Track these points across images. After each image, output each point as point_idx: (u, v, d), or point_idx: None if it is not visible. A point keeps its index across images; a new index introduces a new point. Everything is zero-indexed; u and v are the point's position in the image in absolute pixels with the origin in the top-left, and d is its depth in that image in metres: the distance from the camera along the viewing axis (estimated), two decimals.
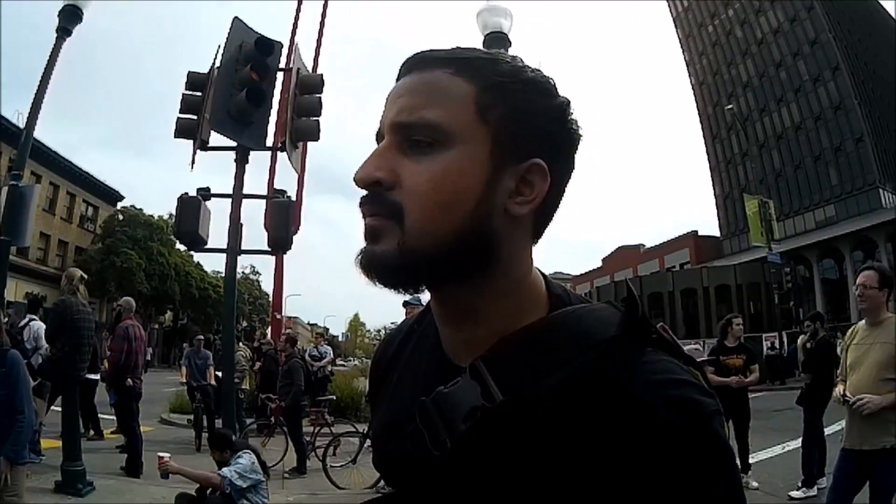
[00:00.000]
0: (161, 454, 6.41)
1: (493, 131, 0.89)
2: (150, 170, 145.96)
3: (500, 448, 0.85)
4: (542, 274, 0.99)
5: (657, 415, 0.78)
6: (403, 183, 0.88)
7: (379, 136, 0.93)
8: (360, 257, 0.90)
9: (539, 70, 0.94)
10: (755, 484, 8.35)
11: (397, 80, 0.95)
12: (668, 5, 77.50)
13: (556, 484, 0.81)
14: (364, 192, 0.91)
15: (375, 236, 0.89)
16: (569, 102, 0.94)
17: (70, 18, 9.53)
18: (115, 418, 10.98)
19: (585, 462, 0.80)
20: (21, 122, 21.02)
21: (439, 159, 0.87)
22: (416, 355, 1.08)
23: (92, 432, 11.75)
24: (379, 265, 0.88)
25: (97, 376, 11.20)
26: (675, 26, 76.69)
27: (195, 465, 6.98)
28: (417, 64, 0.94)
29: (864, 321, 5.03)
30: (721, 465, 0.80)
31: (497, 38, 8.86)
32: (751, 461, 8.71)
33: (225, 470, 6.04)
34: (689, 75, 74.70)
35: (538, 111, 0.91)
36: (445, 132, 0.88)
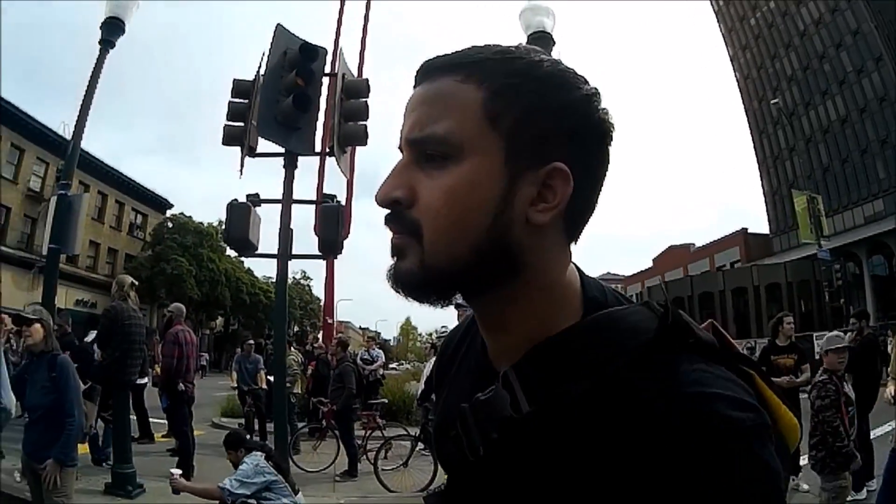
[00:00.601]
0: (172, 470, 6.48)
1: (506, 138, 0.86)
2: (200, 177, 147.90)
3: (525, 458, 0.86)
4: (580, 273, 0.97)
5: (676, 433, 0.75)
6: (420, 200, 0.88)
7: (401, 151, 0.93)
8: (388, 273, 0.91)
9: (558, 62, 0.92)
10: (805, 486, 8.20)
11: (413, 89, 0.94)
12: (710, 1, 76.74)
13: (575, 496, 0.81)
14: (386, 211, 0.91)
15: (400, 253, 0.90)
16: (595, 93, 0.91)
17: (112, 31, 9.68)
18: (166, 422, 11.14)
19: (604, 478, 0.78)
20: (67, 134, 21.42)
21: (451, 174, 0.86)
22: (467, 357, 1.10)
23: (139, 435, 11.91)
24: (405, 282, 0.89)
25: (146, 381, 11.35)
26: (718, 20, 75.86)
27: None
28: (426, 73, 0.93)
29: None
30: (752, 493, 0.74)
31: (541, 38, 8.84)
32: (801, 463, 8.59)
33: (225, 481, 5.87)
34: (734, 70, 73.83)
35: (557, 108, 0.87)
36: (455, 145, 0.86)
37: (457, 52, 0.92)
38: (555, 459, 0.83)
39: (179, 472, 6.55)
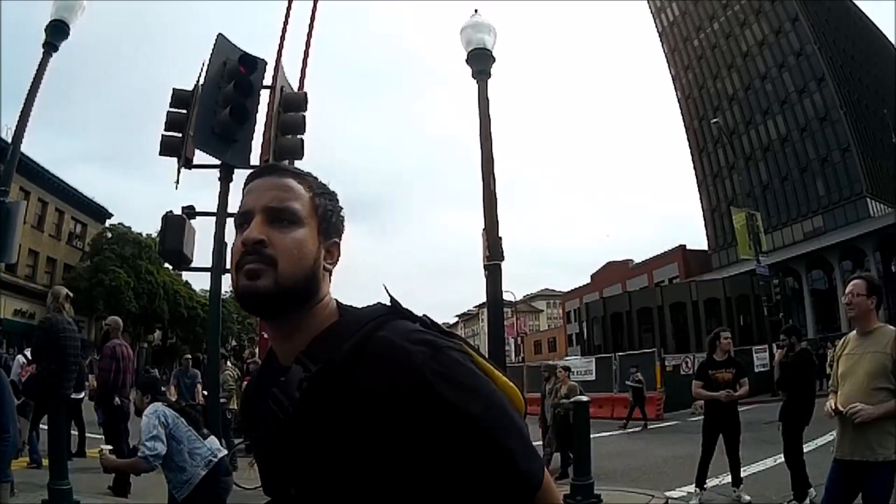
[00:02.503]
0: (103, 447, 6.17)
1: (319, 220, 1.44)
2: (140, 187, 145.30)
3: (321, 402, 1.26)
4: (337, 300, 1.47)
5: (406, 349, 1.23)
6: (276, 244, 1.34)
7: (242, 216, 1.40)
8: (241, 290, 1.34)
9: (328, 186, 1.51)
10: (747, 497, 8.32)
11: (253, 178, 1.47)
12: (654, 20, 77.95)
13: (358, 416, 1.22)
14: (244, 250, 1.34)
15: (256, 276, 1.32)
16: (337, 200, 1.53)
17: (57, 34, 9.46)
18: (103, 437, 10.91)
19: (371, 396, 1.22)
20: (8, 137, 20.93)
21: (298, 233, 1.38)
22: (267, 379, 1.43)
23: (76, 450, 11.65)
24: (260, 296, 1.32)
25: (82, 395, 11.11)
26: (661, 41, 77.16)
27: None
28: (275, 171, 1.48)
29: (854, 331, 5.00)
30: (459, 376, 1.24)
31: (481, 55, 8.85)
32: (742, 474, 8.68)
33: (141, 448, 5.40)
34: (675, 89, 75.09)
35: (334, 209, 1.49)
36: (300, 216, 1.40)
37: (289, 167, 1.54)
38: (337, 394, 1.25)
39: (110, 447, 6.25)
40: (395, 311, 1.38)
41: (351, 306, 1.45)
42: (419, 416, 1.20)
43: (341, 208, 1.52)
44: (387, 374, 1.21)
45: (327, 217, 1.45)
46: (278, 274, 1.32)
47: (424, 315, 1.41)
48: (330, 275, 1.46)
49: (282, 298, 1.33)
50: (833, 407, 4.82)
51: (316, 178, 1.51)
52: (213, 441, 5.88)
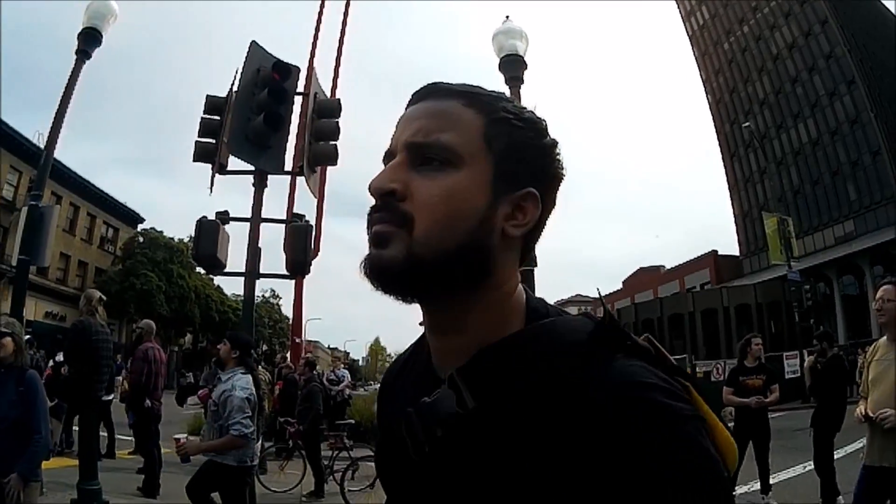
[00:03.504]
0: (177, 436, 6.26)
1: (496, 159, 0.98)
2: (172, 192, 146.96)
3: (471, 451, 0.91)
4: (525, 290, 1.05)
5: (608, 416, 0.81)
6: (415, 196, 0.95)
7: (388, 157, 1.02)
8: (364, 262, 0.97)
9: (534, 112, 1.05)
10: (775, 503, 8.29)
11: (408, 106, 1.06)
12: (685, 24, 77.49)
13: (521, 485, 0.85)
14: (374, 203, 0.99)
15: (384, 242, 0.95)
16: (557, 143, 1.05)
17: (89, 41, 9.56)
18: (132, 439, 11.02)
19: (546, 469, 0.83)
20: (41, 143, 21.18)
21: (450, 178, 0.96)
22: (411, 372, 1.15)
23: (105, 451, 11.77)
24: (384, 269, 0.95)
25: (111, 397, 11.20)
26: (692, 45, 76.63)
27: None
28: (432, 92, 1.04)
29: (885, 337, 4.96)
30: (692, 466, 0.79)
31: (513, 61, 8.85)
32: (772, 481, 8.64)
33: (236, 426, 5.69)
34: (706, 93, 74.53)
35: (535, 146, 1.02)
36: (457, 154, 0.96)
37: (458, 83, 1.05)
38: (499, 453, 0.88)
39: (185, 435, 6.29)
40: (609, 336, 0.92)
41: (547, 306, 1.04)
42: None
43: (549, 142, 1.03)
44: (583, 441, 0.81)
45: (513, 154, 0.99)
46: (412, 239, 0.94)
47: (647, 336, 0.97)
48: (522, 244, 1.02)
49: (416, 276, 0.94)
50: (863, 413, 4.79)
51: (500, 97, 1.04)
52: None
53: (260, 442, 6.31)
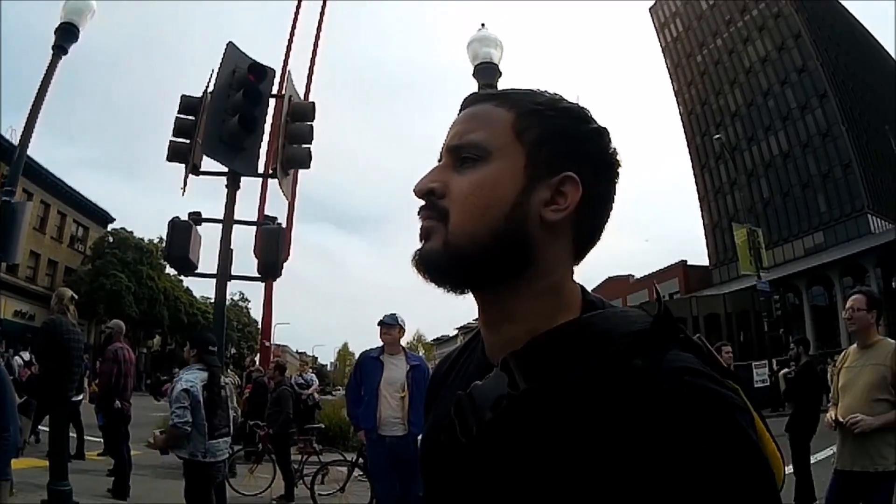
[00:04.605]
0: (156, 431, 6.49)
1: (528, 149, 1.00)
2: (142, 192, 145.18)
3: (521, 433, 0.91)
4: (582, 287, 1.07)
5: (664, 404, 0.82)
6: (451, 192, 1.01)
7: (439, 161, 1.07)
8: (414, 255, 1.03)
9: (576, 102, 1.06)
10: None
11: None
12: (658, 35, 78.08)
13: (572, 468, 0.85)
14: (421, 203, 1.04)
15: (427, 235, 1.01)
16: (605, 130, 1.05)
17: (66, 37, 9.50)
18: (102, 440, 10.91)
19: (600, 448, 0.83)
20: (15, 139, 20.99)
21: (480, 171, 1.00)
22: (463, 367, 1.17)
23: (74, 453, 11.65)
24: (427, 260, 1.01)
25: (81, 397, 11.10)
26: (664, 56, 77.25)
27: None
28: (469, 101, 1.10)
29: (855, 344, 5.05)
30: (739, 462, 0.79)
31: (487, 69, 8.90)
32: None
33: (173, 418, 5.85)
34: (678, 104, 75.12)
35: (572, 133, 1.02)
36: (485, 149, 1.00)
37: (495, 90, 1.12)
38: (550, 438, 0.88)
39: (159, 430, 6.43)
40: (664, 327, 0.94)
41: (601, 300, 1.06)
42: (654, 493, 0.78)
43: (591, 129, 1.04)
44: (631, 428, 0.82)
45: (547, 141, 1.01)
46: (448, 230, 0.99)
47: (699, 337, 0.98)
48: (572, 235, 1.03)
49: (453, 265, 0.99)
50: (833, 418, 4.87)
51: (533, 92, 1.07)
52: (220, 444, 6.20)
53: (226, 442, 6.32)
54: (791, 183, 60.88)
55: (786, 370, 9.93)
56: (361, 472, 10.14)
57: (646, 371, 0.86)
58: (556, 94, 1.07)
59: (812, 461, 8.60)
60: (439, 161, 1.07)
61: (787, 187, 61.33)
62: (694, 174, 72.66)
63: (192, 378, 6.07)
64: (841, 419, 4.78)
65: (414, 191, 1.04)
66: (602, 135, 1.04)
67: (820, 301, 51.32)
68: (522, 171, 0.99)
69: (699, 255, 71.87)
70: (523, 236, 0.98)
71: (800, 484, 8.10)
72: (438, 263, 1.00)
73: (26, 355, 13.25)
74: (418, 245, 1.03)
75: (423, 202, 1.03)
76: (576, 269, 1.06)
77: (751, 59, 65.62)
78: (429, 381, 1.33)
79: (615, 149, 1.05)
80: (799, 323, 49.65)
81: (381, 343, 7.30)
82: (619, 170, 1.06)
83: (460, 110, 1.10)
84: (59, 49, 9.49)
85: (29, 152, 9.92)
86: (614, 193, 1.06)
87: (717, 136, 53.86)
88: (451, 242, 0.98)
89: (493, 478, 0.94)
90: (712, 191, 69.63)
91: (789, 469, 9.21)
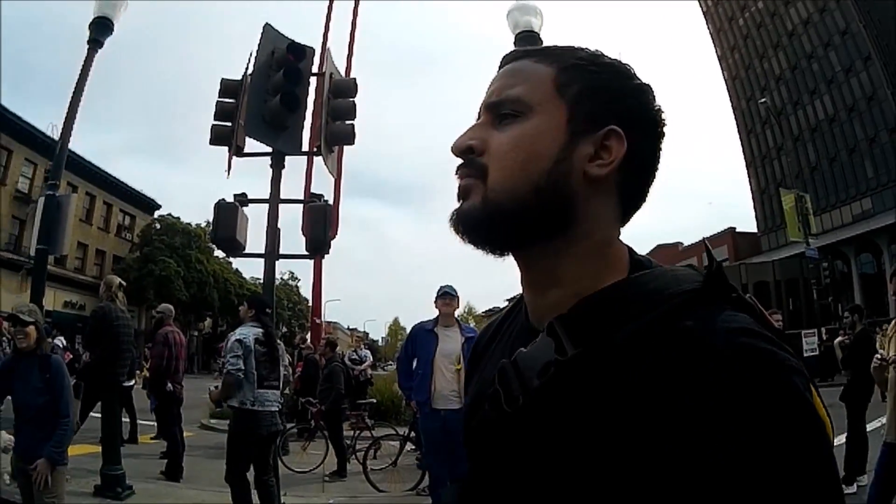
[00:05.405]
0: (211, 386, 6.91)
1: (569, 103, 0.98)
2: (187, 178, 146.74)
3: (571, 400, 0.87)
4: (629, 247, 1.03)
5: (725, 359, 0.77)
6: (490, 149, 0.98)
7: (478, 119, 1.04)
8: (452, 215, 1.00)
9: (618, 58, 1.04)
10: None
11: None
12: (699, 1, 76.90)
13: (624, 437, 0.80)
14: (459, 161, 1.01)
15: (465, 194, 0.99)
16: (648, 86, 1.03)
17: (101, 30, 9.57)
18: (155, 424, 11.09)
19: (653, 414, 0.79)
20: (55, 135, 21.30)
21: (520, 126, 0.97)
22: (508, 331, 1.15)
23: (128, 437, 11.84)
24: (465, 219, 0.98)
25: (133, 383, 11.28)
26: (706, 21, 76.02)
27: None
28: (509, 58, 1.07)
29: None
30: (796, 425, 0.74)
31: (528, 38, 8.82)
32: None
33: (226, 367, 6.40)
34: (722, 69, 73.97)
35: (615, 88, 0.99)
36: (526, 104, 0.98)
37: (537, 46, 1.10)
38: (601, 397, 0.84)
39: (215, 386, 6.75)
40: (715, 287, 0.89)
41: (650, 260, 1.02)
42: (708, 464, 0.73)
43: (635, 84, 1.01)
44: (685, 390, 0.77)
45: (589, 96, 0.98)
46: (487, 188, 0.96)
47: (750, 297, 0.92)
48: (617, 193, 0.99)
49: (493, 223, 0.96)
50: (882, 358, 4.78)
51: (574, 48, 1.04)
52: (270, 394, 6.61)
53: (275, 394, 6.72)
54: (838, 148, 59.72)
55: (841, 338, 9.79)
56: (414, 447, 10.20)
57: (698, 333, 0.81)
58: (597, 51, 1.04)
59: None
60: (478, 119, 1.04)
61: (833, 152, 60.20)
62: (740, 139, 71.64)
63: (245, 331, 6.50)
64: (888, 360, 4.69)
65: (452, 149, 1.01)
66: (646, 91, 1.02)
67: (868, 269, 50.51)
68: (564, 125, 0.97)
69: (748, 222, 71.02)
70: (566, 191, 0.95)
71: (853, 453, 7.99)
72: (478, 222, 0.97)
73: (63, 340, 13.47)
74: (456, 205, 1.00)
75: (461, 161, 1.01)
76: (625, 237, 1.03)
77: (793, 21, 64.32)
78: (472, 349, 1.30)
79: (660, 107, 1.02)
80: (848, 291, 48.96)
81: (432, 316, 7.30)
82: (664, 128, 1.03)
83: (499, 68, 1.07)
84: (95, 43, 9.56)
85: (71, 146, 10.04)
86: (660, 152, 1.03)
87: (763, 100, 53.09)
88: (491, 199, 0.95)
89: (541, 449, 0.89)
90: (759, 156, 68.60)
91: (839, 440, 9.12)
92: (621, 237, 1.03)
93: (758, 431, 0.73)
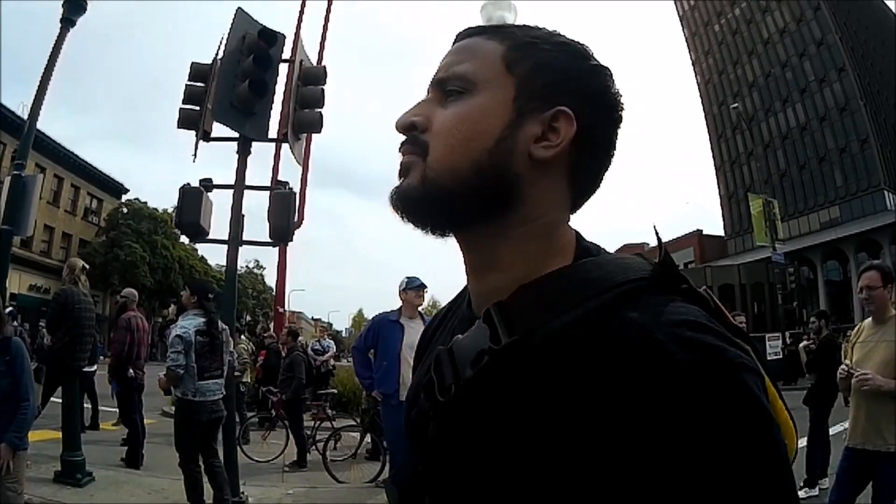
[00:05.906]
0: (160, 375, 6.87)
1: (518, 81, 0.93)
2: (154, 162, 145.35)
3: (504, 391, 0.82)
4: (577, 232, 0.99)
5: (668, 354, 0.72)
6: (433, 125, 0.94)
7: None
8: (391, 193, 0.96)
9: (575, 39, 1.00)
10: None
11: None
12: (675, 4, 77.49)
13: (558, 431, 0.76)
14: (403, 138, 0.98)
15: (405, 172, 0.95)
16: (606, 68, 0.98)
17: (74, 9, 9.42)
18: (116, 410, 10.98)
19: (586, 404, 0.74)
20: (25, 114, 21.04)
21: (464, 103, 0.93)
22: (451, 319, 1.12)
23: (89, 423, 11.72)
24: (404, 197, 0.94)
25: (94, 368, 11.18)
26: (682, 25, 76.69)
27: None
28: (459, 36, 1.03)
29: (869, 319, 4.98)
30: (741, 424, 0.69)
31: None
32: None
33: (167, 362, 6.51)
34: (695, 74, 74.69)
35: (568, 68, 0.95)
36: (472, 81, 0.94)
37: (492, 25, 1.03)
38: (532, 396, 0.80)
39: (163, 374, 6.77)
40: (662, 275, 0.86)
41: (598, 247, 0.98)
42: (651, 463, 0.69)
43: (591, 65, 0.97)
44: (622, 386, 0.73)
45: (539, 74, 0.94)
46: (426, 164, 0.93)
47: (705, 289, 0.89)
48: (563, 179, 0.95)
49: (431, 201, 0.92)
50: (847, 368, 4.82)
51: (529, 27, 1.00)
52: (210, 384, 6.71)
53: (217, 384, 6.85)
54: (808, 156, 60.56)
55: (806, 342, 9.91)
56: (371, 440, 10.19)
57: (641, 324, 0.76)
58: (554, 30, 1.00)
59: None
60: (426, 96, 1.00)
61: (803, 160, 61.02)
62: (711, 144, 72.38)
63: (186, 325, 6.59)
64: (854, 370, 4.73)
65: (395, 125, 0.98)
66: (602, 73, 0.97)
67: (834, 276, 51.31)
68: (511, 103, 0.92)
69: (715, 225, 71.77)
70: (508, 172, 0.91)
71: (816, 456, 8.08)
72: (416, 201, 0.93)
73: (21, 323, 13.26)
74: (396, 183, 0.97)
75: (405, 139, 0.97)
76: (594, 236, 1.00)
77: (769, 29, 65.06)
78: (419, 340, 1.28)
79: (618, 90, 0.97)
80: (813, 297, 49.69)
81: (396, 308, 7.27)
82: (622, 113, 0.98)
83: (452, 45, 1.03)
84: (67, 21, 9.40)
85: (41, 127, 9.91)
86: (616, 139, 0.98)
87: (735, 105, 53.61)
88: (430, 177, 0.92)
89: (473, 440, 0.86)
90: (729, 161, 69.39)
91: (802, 442, 9.22)
92: (578, 227, 0.99)
93: (703, 434, 0.68)
